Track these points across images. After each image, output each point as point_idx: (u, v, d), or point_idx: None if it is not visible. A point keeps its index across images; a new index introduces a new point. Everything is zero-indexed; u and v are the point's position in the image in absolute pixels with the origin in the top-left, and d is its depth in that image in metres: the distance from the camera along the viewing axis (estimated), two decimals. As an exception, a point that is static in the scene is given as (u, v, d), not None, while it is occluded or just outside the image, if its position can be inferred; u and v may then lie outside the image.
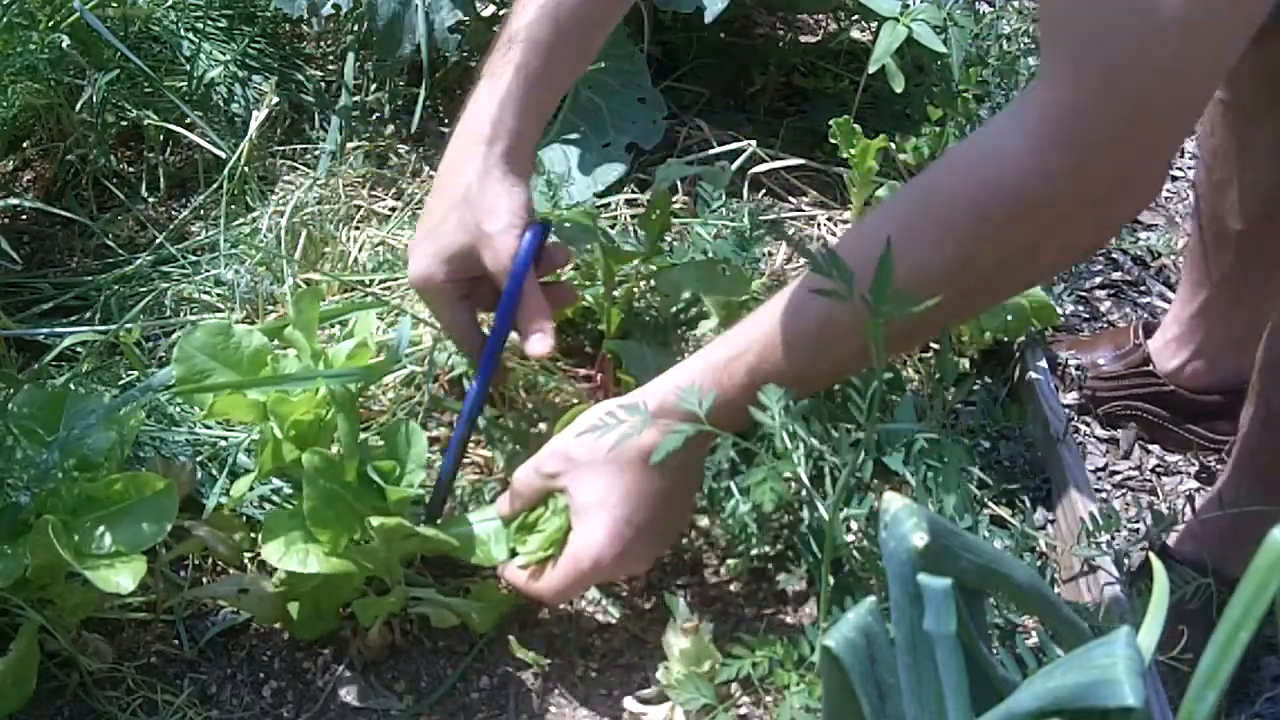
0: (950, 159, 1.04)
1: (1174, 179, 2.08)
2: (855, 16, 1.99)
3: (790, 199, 1.77)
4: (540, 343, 1.18)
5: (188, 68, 1.78)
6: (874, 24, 1.87)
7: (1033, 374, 1.56)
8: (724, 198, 1.63)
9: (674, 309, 1.44)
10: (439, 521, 1.23)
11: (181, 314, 1.52)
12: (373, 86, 1.86)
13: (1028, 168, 0.92)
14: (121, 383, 1.38)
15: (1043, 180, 0.92)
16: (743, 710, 1.18)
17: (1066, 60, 0.91)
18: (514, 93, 1.20)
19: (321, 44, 1.96)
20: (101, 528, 1.08)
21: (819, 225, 1.74)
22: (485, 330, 1.25)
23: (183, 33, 1.82)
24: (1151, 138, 0.92)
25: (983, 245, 0.96)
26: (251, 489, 1.27)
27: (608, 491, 1.09)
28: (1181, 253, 1.89)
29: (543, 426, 1.29)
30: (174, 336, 1.44)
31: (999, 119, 0.98)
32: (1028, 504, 1.42)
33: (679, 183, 1.67)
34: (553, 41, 1.21)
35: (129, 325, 1.44)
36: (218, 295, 1.53)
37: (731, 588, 1.30)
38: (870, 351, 0.97)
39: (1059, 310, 1.65)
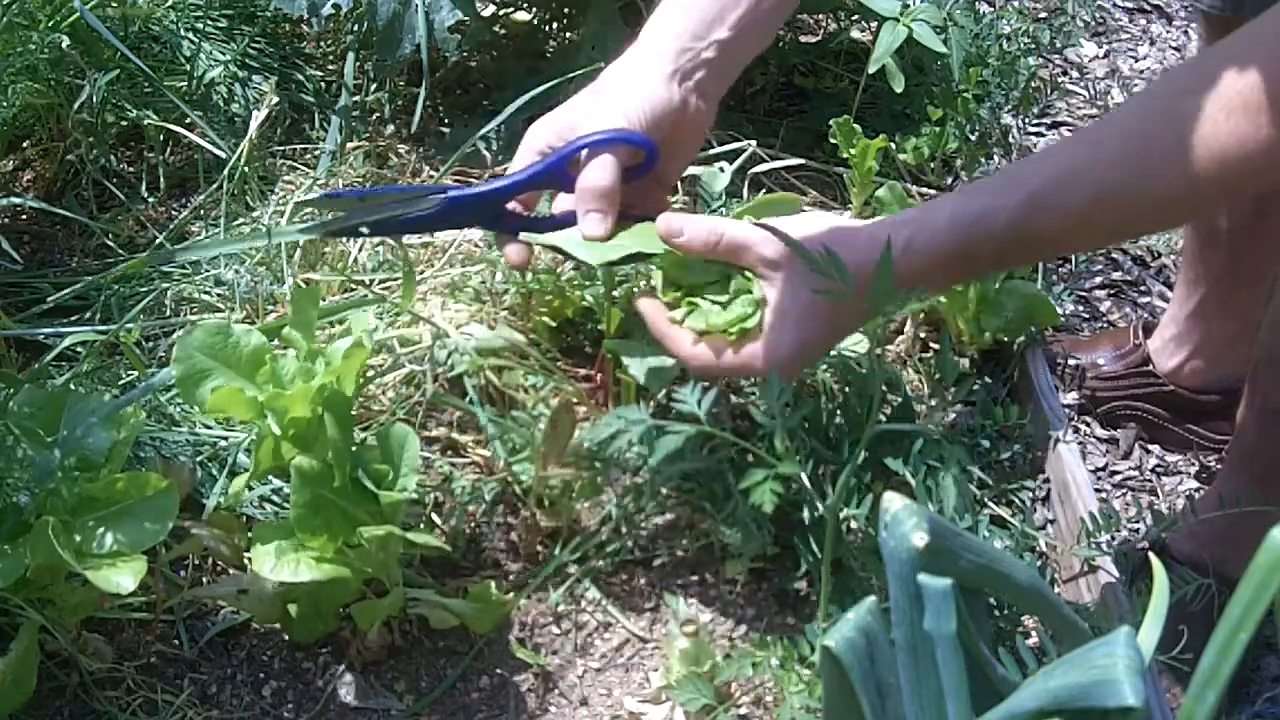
0: (1231, 42, 0.99)
1: (1174, 179, 2.08)
2: (855, 16, 1.99)
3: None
4: (592, 224, 1.10)
5: (188, 68, 1.78)
6: (874, 24, 1.87)
7: (1033, 374, 1.56)
8: (724, 198, 1.63)
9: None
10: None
11: (181, 314, 1.52)
12: (373, 86, 1.86)
13: None
14: (121, 383, 1.38)
15: None
16: (743, 710, 1.18)
17: None
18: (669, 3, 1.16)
19: (321, 44, 1.96)
20: (102, 528, 1.08)
21: (819, 225, 1.74)
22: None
23: (183, 33, 1.81)
24: None
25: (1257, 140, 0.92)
26: (250, 488, 1.27)
27: (813, 306, 1.06)
28: (1180, 253, 1.89)
29: (543, 427, 1.29)
30: (174, 336, 1.44)
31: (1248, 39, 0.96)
32: (1028, 504, 1.42)
33: (679, 183, 1.66)
34: None
35: (129, 325, 1.44)
36: (218, 295, 1.53)
37: (731, 588, 1.30)
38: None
39: (1059, 310, 1.65)
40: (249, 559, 1.26)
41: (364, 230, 1.15)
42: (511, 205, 1.16)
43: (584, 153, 1.11)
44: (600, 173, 1.10)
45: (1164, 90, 1.03)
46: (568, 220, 1.14)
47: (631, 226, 1.13)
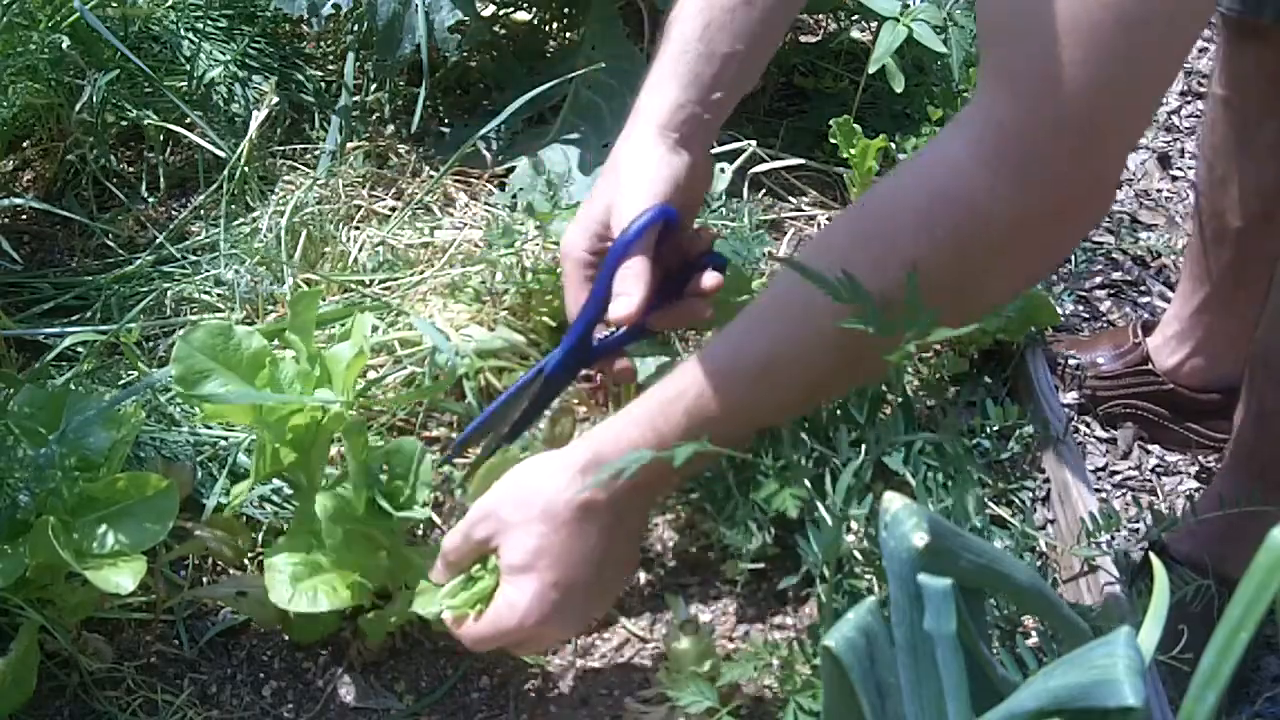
0: (897, 172, 0.99)
1: (1174, 179, 2.08)
2: (855, 16, 1.99)
3: (790, 199, 1.77)
4: (620, 305, 1.10)
5: (188, 68, 1.78)
6: (874, 24, 1.88)
7: (1033, 374, 1.56)
8: (724, 198, 1.63)
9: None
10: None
11: (181, 314, 1.52)
12: (373, 86, 1.86)
13: (974, 181, 0.89)
14: (121, 383, 1.38)
15: (988, 194, 0.88)
16: (743, 711, 1.18)
17: (1009, 72, 0.88)
18: (668, 65, 1.17)
19: (321, 44, 1.96)
20: (102, 527, 1.08)
21: (819, 225, 1.74)
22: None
23: (183, 33, 1.81)
24: (1100, 149, 0.89)
25: (930, 261, 0.91)
26: (251, 490, 1.27)
27: (538, 553, 1.05)
28: (1181, 252, 1.89)
29: (543, 426, 1.29)
30: (174, 336, 1.44)
31: (945, 131, 0.94)
32: (1028, 504, 1.42)
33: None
34: (706, 16, 1.15)
35: (129, 325, 1.44)
36: (218, 295, 1.53)
37: (731, 588, 1.30)
38: (815, 388, 0.94)
39: (1059, 310, 1.65)
40: (250, 560, 1.27)
41: (505, 445, 1.21)
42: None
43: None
44: (636, 267, 1.11)
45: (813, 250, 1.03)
46: (635, 330, 1.16)
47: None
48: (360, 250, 1.58)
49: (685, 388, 1.02)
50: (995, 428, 1.38)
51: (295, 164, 1.75)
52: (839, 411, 1.32)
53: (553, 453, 1.08)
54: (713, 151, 1.72)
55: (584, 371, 1.40)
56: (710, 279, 1.16)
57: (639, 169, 1.15)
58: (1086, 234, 0.96)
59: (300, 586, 1.09)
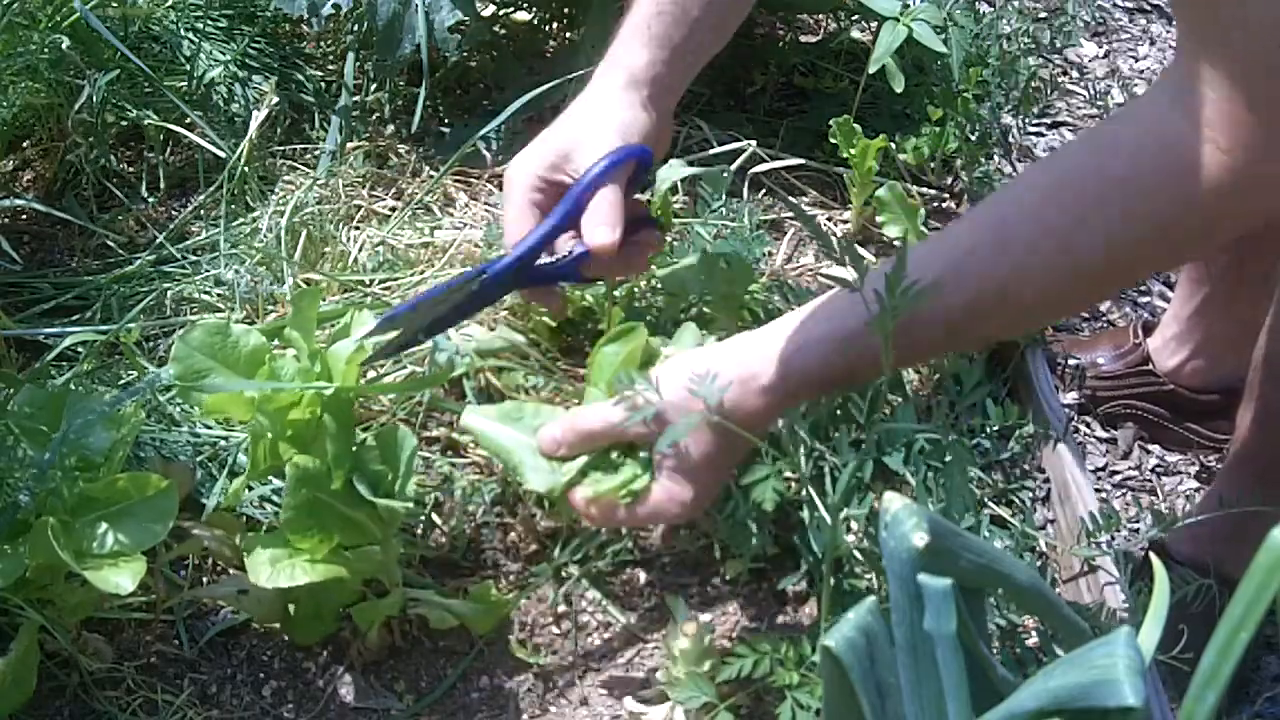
0: (1108, 137, 0.97)
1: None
2: (855, 16, 1.99)
3: (790, 199, 1.77)
4: (603, 233, 1.12)
5: (188, 68, 1.78)
6: (874, 24, 1.87)
7: (1033, 374, 1.56)
8: (724, 198, 1.63)
9: (680, 308, 1.44)
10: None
11: (181, 314, 1.52)
12: (373, 86, 1.86)
13: (1205, 157, 0.88)
14: (121, 383, 1.38)
15: (1222, 170, 0.88)
16: (743, 710, 1.18)
17: (1220, 26, 0.86)
18: (641, 23, 1.19)
19: (321, 44, 1.96)
20: (102, 527, 1.08)
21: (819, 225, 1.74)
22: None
23: (183, 33, 1.81)
24: None
25: (1150, 235, 0.93)
26: (250, 488, 1.27)
27: (709, 459, 1.08)
28: (1181, 253, 1.89)
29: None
30: (174, 336, 1.44)
31: (1150, 95, 0.94)
32: (1028, 504, 1.42)
33: (679, 183, 1.67)
34: None
35: (129, 325, 1.44)
36: (218, 295, 1.53)
37: (731, 588, 1.30)
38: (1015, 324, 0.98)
39: (1059, 310, 1.65)
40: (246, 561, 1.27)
41: (421, 338, 1.20)
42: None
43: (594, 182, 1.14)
44: (611, 198, 1.13)
45: (1042, 185, 1.01)
46: (588, 253, 1.16)
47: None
48: (360, 250, 1.58)
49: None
50: (995, 428, 1.38)
51: (295, 164, 1.75)
52: (839, 411, 1.32)
53: (725, 353, 1.08)
54: (713, 151, 1.73)
55: (584, 371, 1.40)
56: (650, 236, 1.19)
57: (611, 113, 1.17)
58: None
59: (279, 565, 1.09)
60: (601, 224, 1.13)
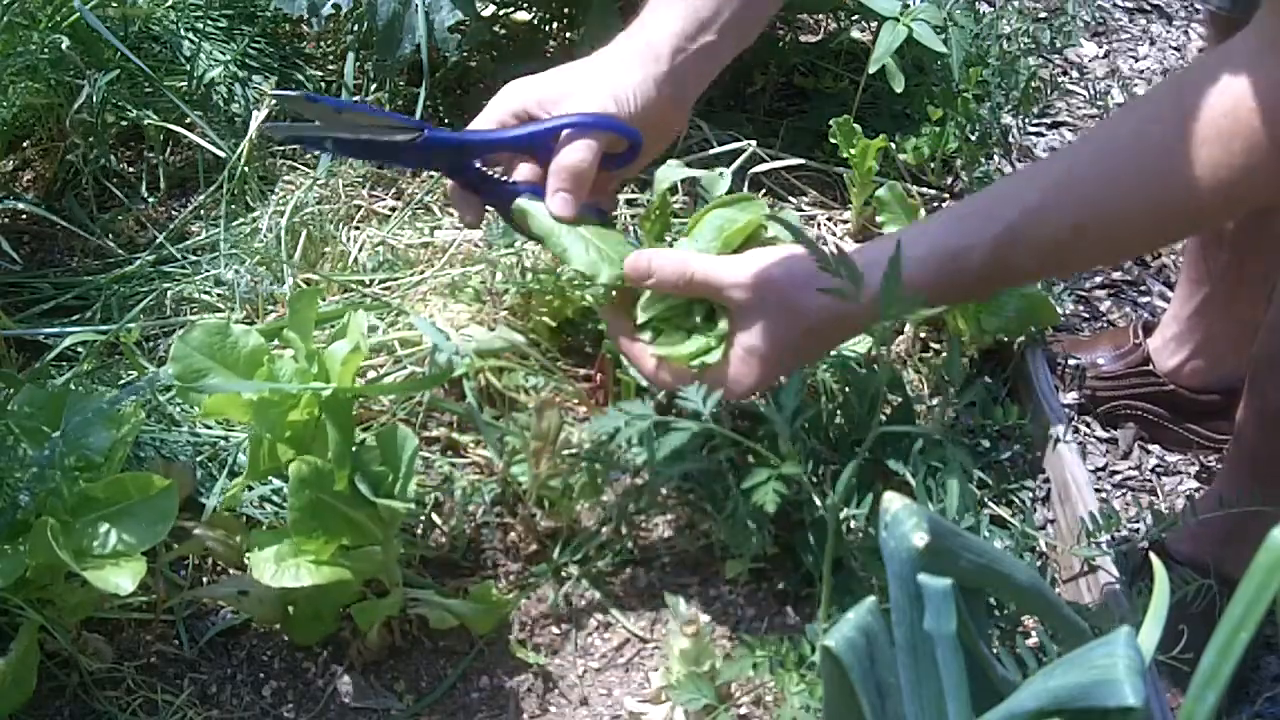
0: (1215, 80, 0.96)
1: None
2: (855, 16, 1.99)
3: (790, 199, 1.77)
4: (559, 203, 1.10)
5: (188, 68, 1.78)
6: (874, 24, 1.87)
7: (1033, 374, 1.56)
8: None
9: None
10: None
11: (181, 314, 1.52)
12: (373, 86, 1.86)
13: None
14: (121, 383, 1.38)
15: None
16: (743, 710, 1.18)
17: None
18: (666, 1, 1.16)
19: (321, 44, 1.96)
20: (102, 527, 1.08)
21: (819, 225, 1.74)
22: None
23: (183, 33, 1.81)
24: None
25: (1250, 176, 0.93)
26: (250, 489, 1.27)
27: (786, 348, 1.07)
28: (1181, 252, 1.89)
29: (530, 420, 1.29)
30: (174, 336, 1.44)
31: (1257, 54, 0.94)
32: (1028, 504, 1.42)
33: (679, 183, 1.67)
34: None
35: (129, 325, 1.44)
36: (218, 295, 1.53)
37: (731, 588, 1.30)
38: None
39: (1059, 310, 1.65)
40: (249, 559, 1.27)
41: (328, 145, 1.13)
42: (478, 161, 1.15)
43: (566, 131, 1.11)
44: (582, 155, 1.11)
45: (1138, 118, 1.02)
46: (533, 191, 1.13)
47: (590, 224, 1.13)
48: (360, 250, 1.58)
49: (980, 239, 1.01)
50: (995, 428, 1.38)
51: (295, 164, 1.75)
52: (839, 411, 1.32)
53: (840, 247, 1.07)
54: (713, 151, 1.73)
55: (584, 371, 1.39)
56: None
57: (614, 76, 1.13)
58: None
59: (284, 565, 1.09)
60: (562, 192, 1.10)
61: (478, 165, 1.15)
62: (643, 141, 1.14)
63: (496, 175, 1.16)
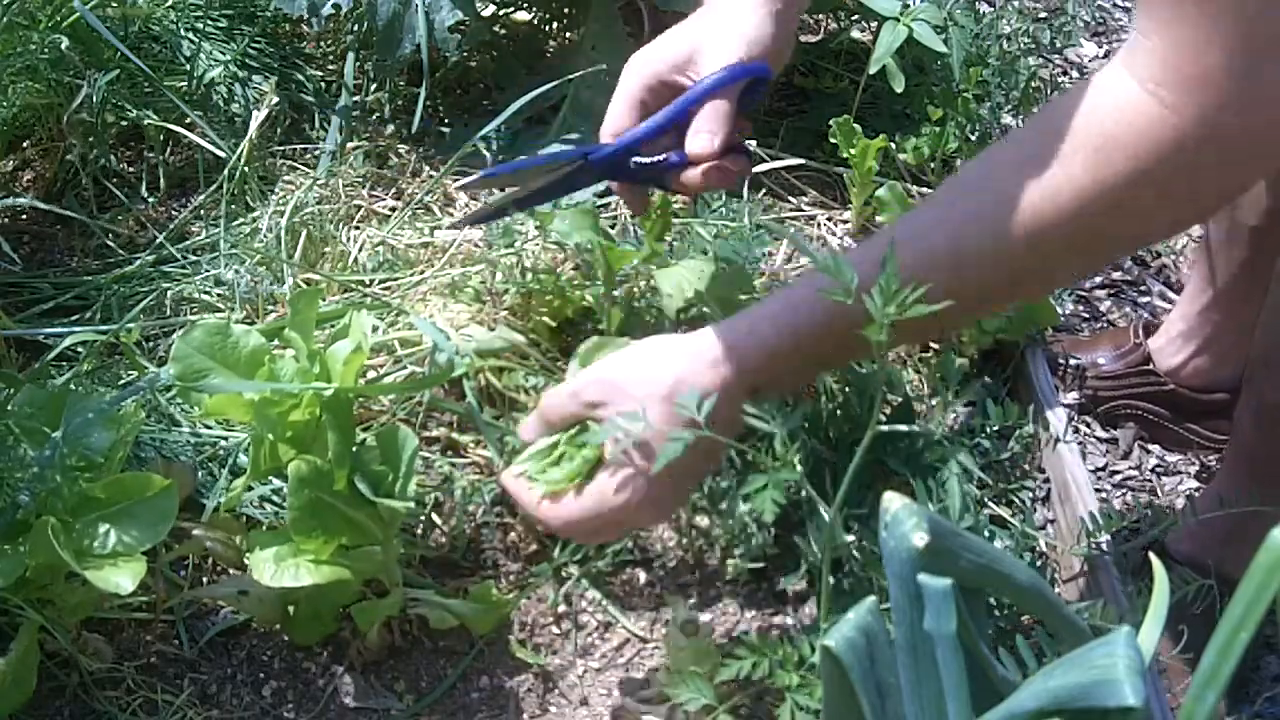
0: (1063, 105, 0.94)
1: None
2: (855, 16, 1.99)
3: (790, 199, 1.77)
4: (703, 140, 1.12)
5: (188, 68, 1.78)
6: (874, 24, 1.87)
7: (1033, 374, 1.56)
8: (724, 198, 1.63)
9: (675, 309, 1.44)
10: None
11: (181, 314, 1.52)
12: (373, 86, 1.86)
13: (1149, 109, 0.87)
14: (121, 383, 1.38)
15: (1163, 124, 0.87)
16: (743, 710, 1.18)
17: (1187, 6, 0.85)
18: None
19: (321, 44, 1.96)
20: (102, 527, 1.08)
21: (819, 225, 1.74)
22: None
23: (183, 33, 1.81)
24: (1275, 69, 0.85)
25: (1105, 190, 0.90)
26: (250, 489, 1.27)
27: (656, 436, 1.01)
28: (1182, 252, 1.89)
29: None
30: (174, 336, 1.44)
31: (1111, 65, 0.91)
32: (1028, 504, 1.42)
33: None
34: None
35: (129, 325, 1.44)
36: (218, 295, 1.53)
37: (731, 588, 1.30)
38: (982, 296, 0.94)
39: (1059, 310, 1.65)
40: (249, 559, 1.27)
41: (512, 208, 1.21)
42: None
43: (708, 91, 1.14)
44: (725, 108, 1.13)
45: (1005, 160, 0.99)
46: (683, 160, 1.15)
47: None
48: (360, 250, 1.58)
49: (829, 285, 0.99)
50: (995, 428, 1.38)
51: (295, 164, 1.75)
52: (839, 411, 1.32)
53: (678, 337, 1.05)
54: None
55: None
56: (741, 161, 1.17)
57: (739, 22, 1.15)
58: (1260, 175, 0.96)
59: (283, 565, 1.09)
60: (704, 131, 1.12)
61: (637, 160, 1.18)
62: (770, 74, 1.16)
63: (656, 160, 1.18)
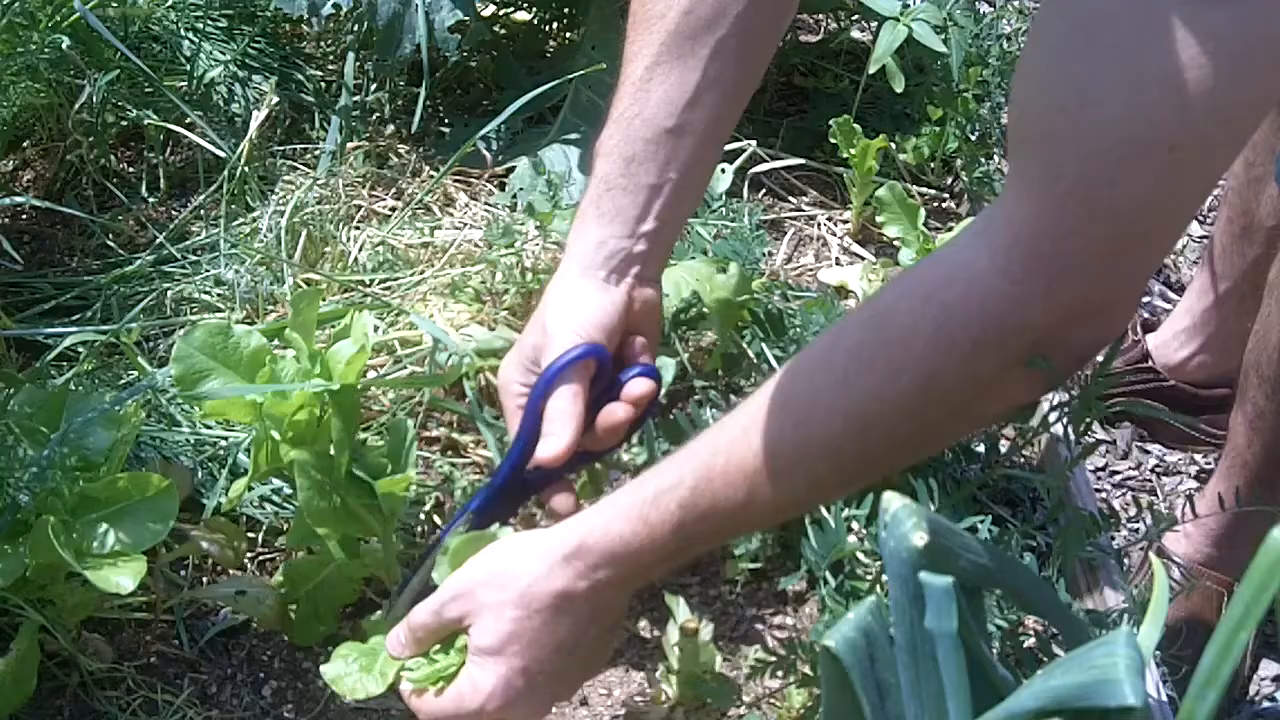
0: (909, 280, 0.92)
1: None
2: (855, 16, 1.99)
3: (790, 199, 1.77)
4: (548, 446, 1.06)
5: (188, 68, 1.78)
6: (874, 24, 1.87)
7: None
8: (724, 198, 1.63)
9: (674, 309, 1.44)
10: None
11: (181, 314, 1.52)
12: (373, 86, 1.86)
13: (997, 292, 0.84)
14: (121, 383, 1.38)
15: (1013, 305, 0.84)
16: (743, 710, 1.18)
17: (1041, 179, 0.82)
18: (590, 204, 1.12)
19: (321, 44, 1.96)
20: (102, 527, 1.08)
21: (819, 225, 1.74)
22: None
23: (183, 33, 1.81)
24: (1132, 261, 0.85)
25: (945, 375, 0.86)
26: (250, 489, 1.27)
27: (510, 638, 0.99)
28: (1183, 251, 1.89)
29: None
30: (174, 336, 1.44)
31: (964, 238, 0.88)
32: (1028, 504, 1.42)
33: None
34: (628, 151, 1.11)
35: (129, 325, 1.44)
36: (218, 295, 1.53)
37: (731, 588, 1.30)
38: (822, 484, 0.92)
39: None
40: (249, 559, 1.27)
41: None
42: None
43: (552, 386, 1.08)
44: (562, 403, 1.07)
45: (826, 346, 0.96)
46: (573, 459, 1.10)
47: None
48: (360, 250, 1.58)
49: (680, 479, 0.95)
50: (995, 428, 1.38)
51: (295, 164, 1.75)
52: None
53: (534, 534, 1.02)
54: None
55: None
56: (638, 386, 1.10)
57: (563, 309, 1.10)
58: (1100, 349, 0.94)
59: (364, 675, 1.06)
60: (548, 435, 1.07)
61: (529, 469, 1.12)
62: (607, 354, 1.10)
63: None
